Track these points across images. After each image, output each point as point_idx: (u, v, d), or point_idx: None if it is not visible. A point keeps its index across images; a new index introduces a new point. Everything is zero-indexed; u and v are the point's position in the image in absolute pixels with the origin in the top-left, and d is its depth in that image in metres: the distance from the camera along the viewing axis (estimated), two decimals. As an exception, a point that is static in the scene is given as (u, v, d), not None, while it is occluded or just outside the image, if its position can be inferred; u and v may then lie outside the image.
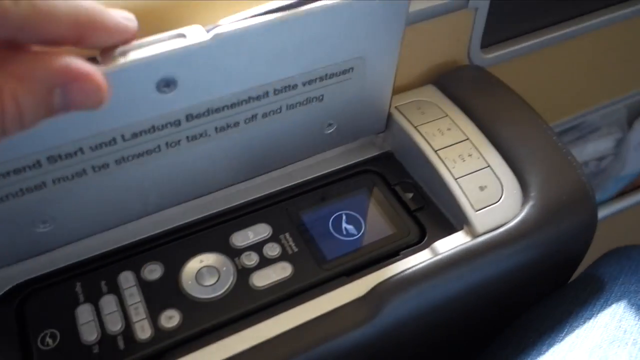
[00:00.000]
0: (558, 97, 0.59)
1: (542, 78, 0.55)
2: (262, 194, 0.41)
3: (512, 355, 0.39)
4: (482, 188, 0.39)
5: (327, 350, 0.33)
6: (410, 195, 0.42)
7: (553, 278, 0.43)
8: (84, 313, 0.34)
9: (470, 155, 0.41)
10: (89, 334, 0.33)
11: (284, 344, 0.33)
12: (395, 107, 0.44)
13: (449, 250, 0.37)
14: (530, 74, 0.53)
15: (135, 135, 0.32)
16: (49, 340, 0.33)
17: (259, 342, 0.33)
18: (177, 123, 0.32)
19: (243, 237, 0.38)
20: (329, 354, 0.33)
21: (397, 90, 0.46)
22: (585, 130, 0.67)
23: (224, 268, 0.37)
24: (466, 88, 0.45)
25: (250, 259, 0.37)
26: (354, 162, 0.44)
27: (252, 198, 0.41)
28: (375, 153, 0.45)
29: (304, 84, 0.35)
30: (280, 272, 0.37)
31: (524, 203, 0.39)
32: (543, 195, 0.39)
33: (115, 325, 0.33)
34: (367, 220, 0.40)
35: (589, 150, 0.69)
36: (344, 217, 0.41)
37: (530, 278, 0.40)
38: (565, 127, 0.65)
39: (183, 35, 0.30)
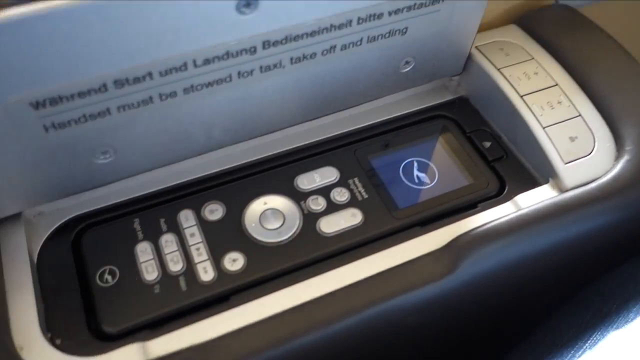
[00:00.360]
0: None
1: (636, 22, 0.50)
2: (330, 135, 0.38)
3: (593, 321, 0.36)
4: (572, 139, 0.36)
5: (400, 303, 0.31)
6: (488, 144, 0.39)
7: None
8: (144, 251, 0.32)
9: (559, 103, 0.37)
10: (150, 272, 0.31)
11: (355, 295, 0.30)
12: (476, 48, 0.40)
13: (534, 204, 0.34)
14: (621, 17, 0.48)
15: (207, 62, 0.29)
16: (107, 277, 0.31)
17: (328, 291, 0.30)
18: (253, 50, 0.29)
19: (309, 180, 0.36)
20: (402, 308, 0.31)
21: (479, 30, 0.42)
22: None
23: (289, 212, 0.34)
24: (554, 29, 0.41)
25: (317, 204, 0.35)
26: (425, 106, 0.41)
27: (319, 139, 0.38)
28: (448, 98, 0.41)
29: (390, 14, 0.32)
30: (350, 218, 0.34)
31: (617, 157, 0.35)
32: (640, 149, 0.35)
33: (176, 265, 0.32)
34: (440, 169, 0.37)
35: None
36: (415, 164, 0.38)
37: (618, 238, 0.37)
38: None
39: None
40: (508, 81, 0.38)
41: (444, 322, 0.35)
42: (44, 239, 0.32)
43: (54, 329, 0.29)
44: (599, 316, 0.36)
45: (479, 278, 0.33)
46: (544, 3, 0.44)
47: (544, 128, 0.36)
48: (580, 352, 0.34)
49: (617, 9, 0.47)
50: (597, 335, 0.35)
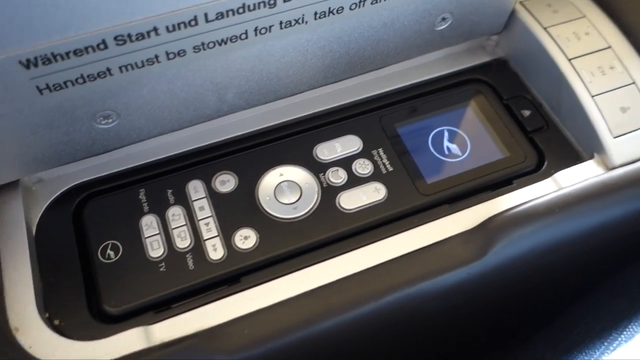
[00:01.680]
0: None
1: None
2: (352, 100, 0.35)
3: (629, 310, 0.33)
4: (624, 110, 0.32)
5: (423, 289, 0.28)
6: (528, 112, 0.35)
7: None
8: (149, 225, 0.30)
9: (612, 68, 0.33)
10: (155, 249, 0.29)
11: (375, 279, 0.28)
12: (520, 3, 0.36)
13: (577, 183, 0.30)
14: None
15: (220, 16, 0.25)
16: (110, 252, 0.29)
17: (346, 274, 0.28)
18: (272, 3, 0.26)
19: (329, 150, 0.33)
20: (424, 294, 0.28)
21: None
22: None
23: (307, 184, 0.31)
24: (609, -17, 0.36)
25: (337, 176, 0.32)
26: (458, 69, 0.37)
27: (341, 104, 0.35)
28: (485, 59, 0.37)
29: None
30: (373, 194, 0.31)
31: (675, 132, 0.32)
32: (701, 124, 0.31)
33: (183, 241, 0.29)
34: (473, 140, 0.34)
35: None
36: (446, 133, 0.34)
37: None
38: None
39: None
40: (555, 42, 0.34)
41: (468, 307, 0.33)
42: (43, 209, 0.30)
43: (52, 309, 0.27)
44: (636, 304, 0.34)
45: (510, 262, 0.30)
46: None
47: (592, 97, 0.32)
48: (614, 345, 0.32)
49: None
50: (634, 326, 0.32)
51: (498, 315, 0.37)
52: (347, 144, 0.33)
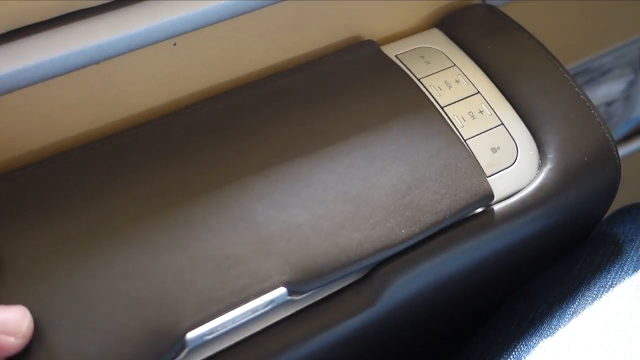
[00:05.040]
0: (574, 38, 0.53)
1: (558, 18, 0.49)
2: None
3: (519, 330, 0.36)
4: (494, 150, 0.35)
5: (321, 342, 0.29)
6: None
7: (568, 243, 0.39)
8: None
9: (481, 112, 0.36)
10: None
11: (268, 340, 0.29)
12: (396, 56, 0.38)
13: (457, 223, 0.33)
14: (546, 13, 0.47)
15: None
16: None
17: (240, 339, 0.29)
18: None
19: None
20: (324, 346, 0.30)
21: (398, 36, 0.40)
22: (596, 72, 0.62)
23: None
24: (476, 32, 0.40)
25: None
26: None
27: None
28: None
29: None
30: None
31: (541, 166, 0.35)
32: (562, 157, 0.35)
33: None
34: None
35: (599, 94, 0.64)
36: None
37: (545, 245, 0.37)
38: (577, 71, 0.59)
39: None
40: (429, 92, 0.37)
41: (377, 347, 0.34)
42: None
43: None
44: (524, 324, 0.36)
45: (404, 304, 0.32)
46: (468, 3, 0.42)
47: (465, 141, 0.35)
48: None
49: (538, 4, 0.46)
50: (522, 347, 0.35)
51: (407, 347, 0.39)
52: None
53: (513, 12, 0.43)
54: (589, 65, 0.61)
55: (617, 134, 0.71)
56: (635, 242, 0.39)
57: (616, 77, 0.64)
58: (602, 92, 0.64)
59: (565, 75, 0.38)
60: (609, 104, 0.66)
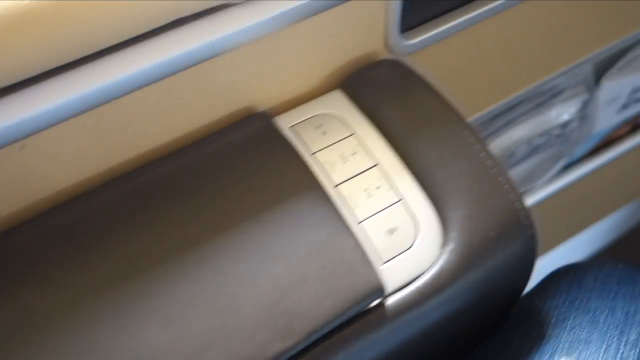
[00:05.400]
0: (512, 69, 0.50)
1: (490, 53, 0.46)
2: None
3: None
4: (391, 231, 0.32)
5: None
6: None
7: (489, 320, 0.36)
8: None
9: (378, 188, 0.33)
10: None
11: None
12: (291, 127, 0.36)
13: (351, 320, 0.30)
14: (472, 51, 0.44)
15: None
16: None
17: None
18: None
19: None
20: None
21: (299, 101, 0.38)
22: (547, 95, 0.59)
23: None
24: (377, 93, 0.37)
25: None
26: None
27: None
28: None
29: None
30: None
31: (443, 245, 0.32)
32: (465, 234, 0.32)
33: None
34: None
35: (552, 116, 0.61)
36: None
37: (456, 332, 0.34)
38: (527, 96, 0.56)
39: None
40: (323, 168, 0.34)
41: None
42: None
43: None
44: None
45: None
46: (374, 58, 0.39)
47: (359, 223, 0.32)
48: None
49: (460, 44, 0.43)
50: None
51: None
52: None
53: (442, 51, 0.41)
54: (540, 88, 0.57)
55: (578, 153, 0.68)
56: (568, 320, 0.35)
57: (569, 97, 0.61)
58: (554, 114, 0.61)
59: (472, 138, 0.35)
60: (563, 125, 0.63)
